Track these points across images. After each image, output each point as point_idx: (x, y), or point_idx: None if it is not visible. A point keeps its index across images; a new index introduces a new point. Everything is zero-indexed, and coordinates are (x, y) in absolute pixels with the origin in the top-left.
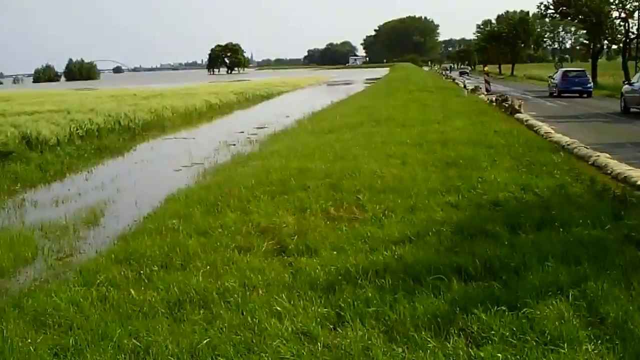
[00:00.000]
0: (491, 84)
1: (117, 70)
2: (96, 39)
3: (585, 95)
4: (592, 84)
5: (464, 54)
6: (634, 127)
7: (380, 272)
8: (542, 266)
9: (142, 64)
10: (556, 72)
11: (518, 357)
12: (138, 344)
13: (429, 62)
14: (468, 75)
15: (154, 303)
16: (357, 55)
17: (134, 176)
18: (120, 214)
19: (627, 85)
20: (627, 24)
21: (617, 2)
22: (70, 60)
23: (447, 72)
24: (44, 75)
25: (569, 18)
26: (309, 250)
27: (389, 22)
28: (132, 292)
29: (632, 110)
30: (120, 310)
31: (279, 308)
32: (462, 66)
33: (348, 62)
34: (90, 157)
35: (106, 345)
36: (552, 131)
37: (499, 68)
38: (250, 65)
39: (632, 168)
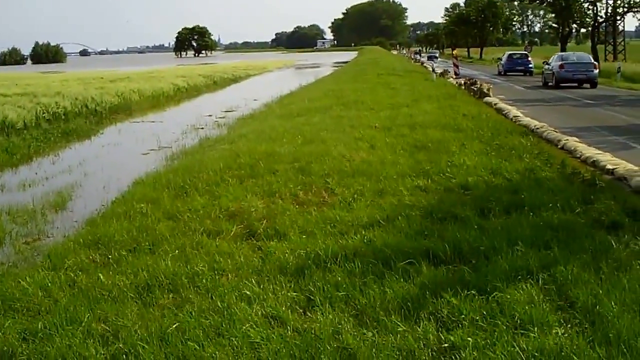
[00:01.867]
0: (460, 67)
1: (84, 53)
2: (62, 22)
3: (528, 74)
4: (532, 64)
5: (432, 38)
6: (601, 111)
7: (349, 256)
8: (511, 250)
9: (108, 46)
10: (503, 55)
11: (488, 341)
12: (107, 328)
13: (397, 46)
14: (437, 59)
15: (123, 287)
16: (325, 39)
17: (101, 160)
18: (88, 198)
19: (546, 65)
20: (595, 8)
21: None
22: (37, 43)
23: (417, 56)
24: (10, 58)
25: (538, 2)
26: (278, 234)
27: (357, 5)
28: (101, 276)
29: (549, 84)
30: (89, 294)
31: (248, 292)
32: (431, 50)
33: (316, 46)
34: (57, 140)
35: (75, 329)
36: (521, 115)
37: (468, 52)
38: (218, 48)
39: (600, 152)
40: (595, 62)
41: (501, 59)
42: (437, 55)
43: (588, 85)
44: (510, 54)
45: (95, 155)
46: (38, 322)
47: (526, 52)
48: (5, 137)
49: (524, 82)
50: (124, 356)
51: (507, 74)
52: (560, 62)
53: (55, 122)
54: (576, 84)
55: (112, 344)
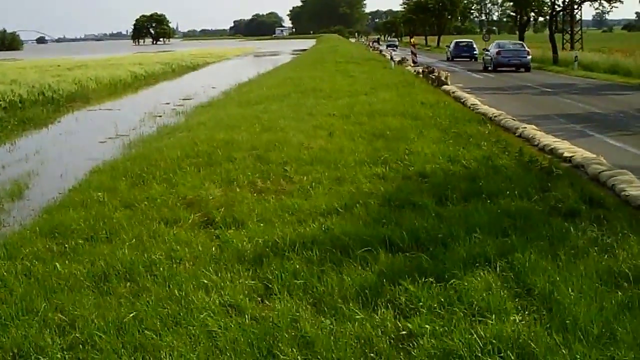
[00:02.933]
0: (418, 55)
1: (41, 40)
2: (19, 9)
3: (473, 60)
4: (477, 51)
5: (390, 26)
6: (559, 99)
7: (307, 244)
8: (469, 237)
9: (66, 34)
10: (451, 43)
11: (446, 328)
12: (64, 318)
13: (356, 34)
14: (396, 48)
15: (80, 276)
16: (283, 27)
17: (58, 148)
18: (45, 187)
19: (485, 52)
20: None
21: None
22: None
23: (376, 44)
24: None
25: None
26: (235, 222)
27: None
28: (58, 265)
29: (488, 68)
30: (46, 284)
31: (206, 281)
32: (390, 38)
33: (275, 33)
34: (13, 129)
35: (31, 319)
36: (479, 103)
37: (426, 40)
38: (176, 35)
39: (558, 140)
40: (528, 50)
41: (449, 47)
42: (397, 44)
43: (522, 70)
44: (457, 42)
45: (52, 144)
46: None
47: (471, 41)
48: None
49: (469, 66)
50: (81, 346)
51: (455, 59)
52: (497, 49)
53: (11, 110)
54: (514, 68)
55: (69, 333)
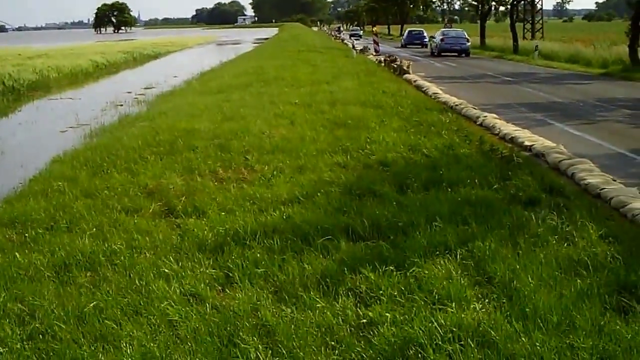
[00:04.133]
0: (380, 44)
1: (1, 29)
2: None
3: (424, 47)
4: (427, 39)
5: (352, 15)
6: (520, 88)
7: (269, 232)
8: (430, 226)
9: (27, 23)
10: (405, 31)
11: (406, 316)
12: (23, 308)
13: (318, 23)
14: (360, 37)
15: (40, 266)
16: (246, 15)
17: (19, 137)
18: (5, 177)
19: (432, 39)
20: None
21: None
22: None
23: (338, 32)
24: None
25: None
26: (197, 211)
27: None
28: (17, 255)
29: (435, 54)
30: (5, 273)
31: (166, 270)
32: (352, 27)
33: (237, 22)
34: None
35: None
36: (440, 92)
37: (388, 29)
38: (138, 24)
39: (518, 128)
40: (467, 37)
41: (403, 35)
42: (361, 33)
43: (463, 55)
44: (409, 31)
45: (12, 133)
46: None
47: (422, 30)
48: None
49: (420, 53)
50: (41, 336)
51: (407, 46)
52: (441, 37)
53: None
54: (456, 54)
55: (29, 323)
